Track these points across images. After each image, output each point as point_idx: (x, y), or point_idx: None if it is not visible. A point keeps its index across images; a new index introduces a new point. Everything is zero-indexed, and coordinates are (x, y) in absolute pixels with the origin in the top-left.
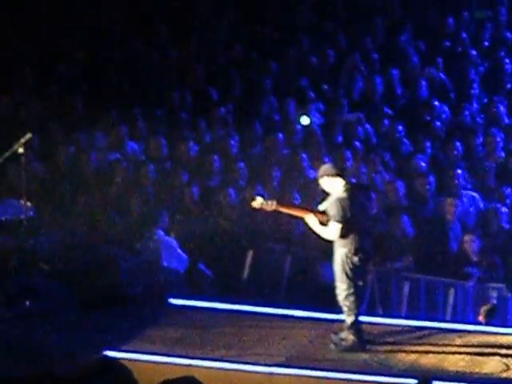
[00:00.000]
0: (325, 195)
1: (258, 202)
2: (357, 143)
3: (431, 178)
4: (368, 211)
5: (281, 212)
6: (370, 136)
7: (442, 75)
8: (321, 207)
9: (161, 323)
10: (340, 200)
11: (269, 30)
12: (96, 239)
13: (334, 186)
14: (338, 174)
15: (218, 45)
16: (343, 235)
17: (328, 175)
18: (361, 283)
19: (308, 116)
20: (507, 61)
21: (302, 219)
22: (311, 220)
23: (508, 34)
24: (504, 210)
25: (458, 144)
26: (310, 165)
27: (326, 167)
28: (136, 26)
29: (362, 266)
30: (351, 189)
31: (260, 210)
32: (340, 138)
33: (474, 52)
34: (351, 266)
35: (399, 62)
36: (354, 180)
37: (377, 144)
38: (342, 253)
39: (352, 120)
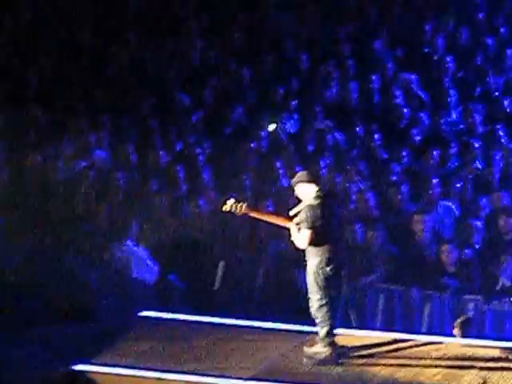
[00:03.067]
0: (298, 203)
1: (228, 205)
2: (330, 152)
3: (404, 188)
4: (341, 220)
5: (252, 217)
6: (344, 144)
7: (417, 83)
8: (291, 212)
9: (130, 335)
10: (310, 207)
11: (241, 36)
12: (64, 249)
13: (307, 193)
14: (311, 181)
15: (189, 51)
16: (315, 244)
17: (302, 181)
18: (334, 294)
19: (277, 124)
20: (484, 68)
21: (276, 226)
22: (292, 227)
23: (485, 40)
24: (478, 222)
25: (434, 153)
26: (282, 173)
27: (301, 173)
28: (104, 32)
29: (334, 277)
30: (323, 196)
31: (231, 213)
32: (312, 147)
33: (451, 59)
34: (323, 277)
35: (374, 69)
36: (326, 188)
37: (351, 152)
38: (313, 263)
39: (321, 127)
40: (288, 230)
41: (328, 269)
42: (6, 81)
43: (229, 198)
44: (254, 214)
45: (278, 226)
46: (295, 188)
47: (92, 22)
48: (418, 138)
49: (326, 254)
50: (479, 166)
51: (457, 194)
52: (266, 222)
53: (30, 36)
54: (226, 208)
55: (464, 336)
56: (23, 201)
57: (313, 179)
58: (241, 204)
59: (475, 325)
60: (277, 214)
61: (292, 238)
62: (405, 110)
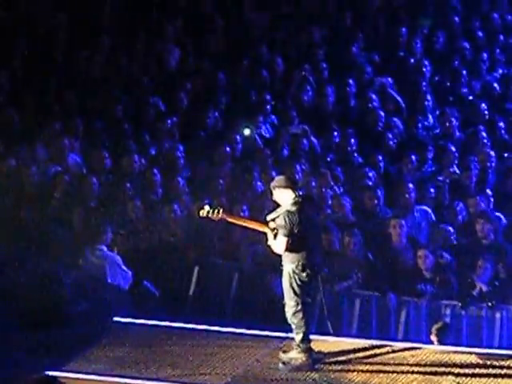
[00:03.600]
0: (274, 208)
1: (204, 211)
2: (305, 156)
3: (380, 192)
4: (317, 225)
5: (229, 222)
6: (320, 149)
7: (392, 87)
8: (269, 217)
9: (104, 341)
10: (288, 213)
11: (217, 40)
12: (37, 254)
13: (284, 198)
14: (289, 186)
15: (163, 55)
16: (291, 250)
17: (280, 187)
18: (309, 300)
19: (251, 128)
20: (461, 72)
21: (253, 230)
22: (268, 231)
23: (461, 44)
24: (455, 227)
25: (410, 157)
26: (257, 178)
27: (278, 178)
28: (79, 35)
29: (310, 283)
30: (301, 202)
31: (207, 219)
32: (287, 151)
33: (427, 63)
34: (299, 283)
35: (350, 74)
36: (303, 193)
37: (326, 157)
38: (289, 268)
39: (297, 132)
40: (265, 234)
41: (304, 274)
42: None
43: (205, 204)
44: (230, 219)
45: (254, 230)
46: (273, 192)
47: (66, 25)
48: (393, 142)
49: (302, 260)
50: (456, 171)
51: (433, 199)
52: (242, 226)
53: (3, 39)
54: (203, 214)
55: (441, 342)
56: None
57: (290, 185)
58: (217, 209)
59: (452, 331)
60: (253, 218)
61: (269, 243)
62: (381, 114)
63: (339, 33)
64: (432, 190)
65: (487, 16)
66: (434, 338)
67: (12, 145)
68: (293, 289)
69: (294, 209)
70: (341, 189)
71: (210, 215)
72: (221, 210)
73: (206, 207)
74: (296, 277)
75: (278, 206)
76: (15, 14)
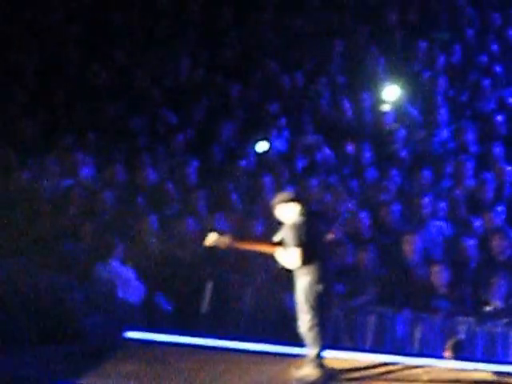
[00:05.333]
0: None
1: (211, 240)
2: (320, 169)
3: (396, 207)
4: (328, 238)
5: (238, 248)
6: (334, 162)
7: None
8: (276, 238)
9: (116, 357)
10: (296, 225)
11: (231, 53)
12: (49, 268)
13: (290, 213)
14: (292, 200)
15: (177, 68)
16: (304, 263)
17: (283, 201)
18: (324, 315)
19: (265, 142)
20: (476, 86)
21: (263, 253)
22: (278, 253)
23: (477, 58)
24: (471, 242)
25: (425, 172)
26: (272, 192)
27: (280, 195)
28: (91, 48)
29: (325, 296)
30: (307, 214)
31: (214, 248)
32: (302, 165)
33: (442, 77)
34: (315, 295)
35: (366, 87)
36: (310, 207)
37: (341, 170)
38: (304, 281)
39: (311, 142)
40: (274, 256)
41: (319, 286)
42: None
43: (210, 232)
44: (238, 245)
45: (264, 253)
46: (276, 210)
47: (79, 39)
48: (409, 156)
49: (316, 272)
50: (471, 186)
51: (449, 214)
52: (251, 250)
53: (16, 52)
54: (209, 243)
55: (455, 358)
56: (8, 219)
57: (294, 198)
58: (224, 237)
59: (467, 347)
60: (262, 240)
61: (282, 262)
62: (397, 128)
63: (356, 46)
64: (446, 205)
65: (502, 30)
66: (448, 354)
67: (24, 158)
68: (309, 302)
69: (300, 220)
70: (355, 203)
71: (217, 243)
72: (228, 238)
73: (213, 235)
74: (312, 290)
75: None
76: (27, 27)
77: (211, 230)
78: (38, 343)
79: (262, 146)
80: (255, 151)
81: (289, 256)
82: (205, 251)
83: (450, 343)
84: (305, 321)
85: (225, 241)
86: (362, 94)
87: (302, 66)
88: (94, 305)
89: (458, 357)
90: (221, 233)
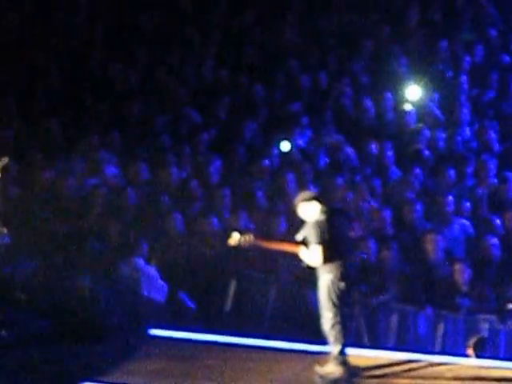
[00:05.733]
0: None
1: (234, 239)
2: (343, 168)
3: (419, 206)
4: (349, 236)
5: (261, 247)
6: (357, 161)
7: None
8: (299, 237)
9: (140, 354)
10: (318, 223)
11: (254, 53)
12: (74, 267)
13: (311, 211)
14: (313, 198)
15: (201, 68)
16: (327, 260)
17: (304, 200)
18: (346, 312)
19: (288, 141)
20: (499, 85)
21: (286, 252)
22: (301, 252)
23: (500, 57)
24: (493, 240)
25: (449, 170)
26: (295, 191)
27: (301, 194)
28: (117, 47)
29: (347, 293)
30: (329, 212)
31: (238, 247)
32: (324, 163)
33: (465, 76)
34: (338, 293)
35: (388, 87)
36: (332, 205)
37: (364, 170)
38: (327, 279)
39: (332, 142)
40: (297, 255)
41: (342, 284)
42: (17, 97)
43: (234, 232)
44: (261, 244)
45: (286, 252)
46: (298, 209)
47: (103, 38)
48: (432, 155)
49: (339, 270)
50: (494, 184)
51: (471, 212)
52: (274, 249)
53: (42, 52)
54: (233, 242)
55: (478, 356)
56: (34, 218)
57: (314, 197)
58: (247, 236)
59: (489, 345)
60: (284, 240)
61: (305, 261)
62: (421, 128)
63: (377, 46)
64: (469, 204)
65: None
66: (471, 351)
67: (50, 157)
68: (331, 300)
69: (322, 218)
70: (378, 202)
71: (240, 243)
72: (251, 237)
73: (236, 235)
74: (334, 287)
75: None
76: (53, 28)
77: (234, 230)
78: (63, 341)
79: (285, 146)
80: (279, 150)
81: (311, 254)
82: (228, 250)
83: (472, 341)
84: (327, 318)
85: (248, 239)
86: (385, 93)
87: (325, 66)
88: (119, 303)
89: (480, 355)
90: (244, 232)
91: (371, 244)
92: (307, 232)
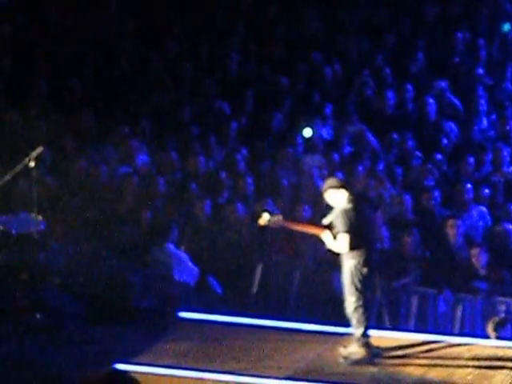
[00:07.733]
0: (330, 209)
1: (264, 219)
2: (365, 156)
3: (437, 193)
4: (374, 223)
5: (289, 228)
6: (378, 150)
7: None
8: (325, 221)
9: (171, 336)
10: (345, 211)
11: (279, 45)
12: (107, 252)
13: (339, 199)
14: (342, 186)
15: (228, 59)
16: (352, 247)
17: (332, 187)
18: (369, 296)
19: (311, 128)
20: None
21: (313, 236)
22: (325, 236)
23: None
24: (510, 226)
25: (469, 159)
26: (319, 178)
27: (330, 180)
28: (147, 39)
29: (370, 278)
30: (356, 200)
31: (267, 227)
32: (347, 152)
33: (482, 68)
34: (360, 278)
35: (409, 78)
36: (358, 193)
37: (386, 158)
38: (350, 264)
39: (354, 130)
40: (321, 239)
41: (365, 269)
42: (51, 89)
43: (264, 212)
44: (289, 225)
45: (312, 235)
46: (325, 195)
47: (133, 31)
48: (451, 144)
49: (362, 255)
50: (510, 172)
51: (489, 199)
52: (301, 231)
53: (74, 45)
54: (263, 222)
55: (497, 337)
56: (68, 205)
57: (342, 184)
58: (276, 217)
59: (508, 326)
60: (311, 223)
61: (329, 247)
62: (440, 118)
63: (398, 39)
64: (487, 191)
65: None
66: (491, 331)
67: (83, 146)
68: (354, 284)
69: (349, 206)
70: (398, 189)
71: (269, 223)
72: (280, 217)
73: (266, 215)
74: (358, 272)
75: (332, 208)
76: (85, 22)
77: (264, 211)
78: (96, 324)
79: (307, 132)
80: (303, 137)
81: (338, 241)
82: (255, 235)
83: (492, 321)
84: (350, 302)
85: (277, 220)
86: (406, 85)
87: (346, 58)
88: (151, 286)
89: (500, 335)
90: (273, 214)
91: (391, 230)
92: (334, 218)
